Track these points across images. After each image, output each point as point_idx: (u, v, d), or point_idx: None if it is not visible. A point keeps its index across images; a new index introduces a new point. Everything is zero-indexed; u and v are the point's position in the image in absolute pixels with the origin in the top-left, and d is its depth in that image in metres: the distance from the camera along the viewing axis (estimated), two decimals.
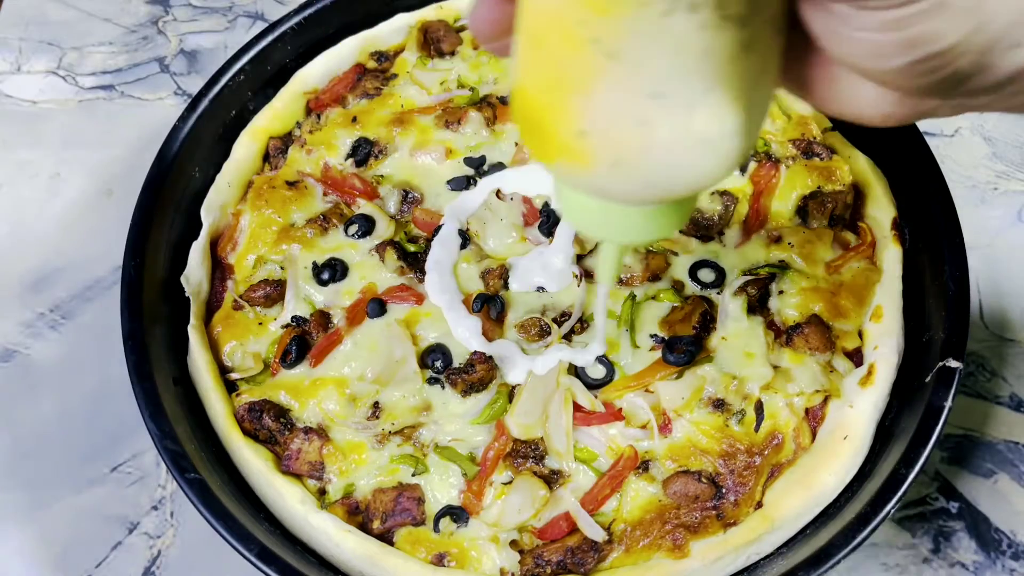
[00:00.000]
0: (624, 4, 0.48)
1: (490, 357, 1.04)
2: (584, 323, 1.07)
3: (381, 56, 1.32)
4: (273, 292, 1.11)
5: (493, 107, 1.23)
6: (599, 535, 0.95)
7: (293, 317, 1.10)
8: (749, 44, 0.52)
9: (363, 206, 1.17)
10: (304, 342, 1.07)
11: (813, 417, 1.02)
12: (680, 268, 1.10)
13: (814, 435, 1.01)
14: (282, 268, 1.13)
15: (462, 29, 1.34)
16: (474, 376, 1.02)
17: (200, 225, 1.16)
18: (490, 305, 1.07)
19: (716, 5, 0.48)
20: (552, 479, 0.99)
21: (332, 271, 1.11)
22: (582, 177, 0.58)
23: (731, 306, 1.06)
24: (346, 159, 1.21)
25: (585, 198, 0.64)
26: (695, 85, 0.52)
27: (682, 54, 0.51)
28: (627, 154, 0.55)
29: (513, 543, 0.96)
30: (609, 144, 0.55)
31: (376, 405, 1.03)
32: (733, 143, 0.55)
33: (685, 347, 1.02)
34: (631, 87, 0.52)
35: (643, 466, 0.99)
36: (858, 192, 1.17)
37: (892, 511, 0.92)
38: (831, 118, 1.22)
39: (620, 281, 1.09)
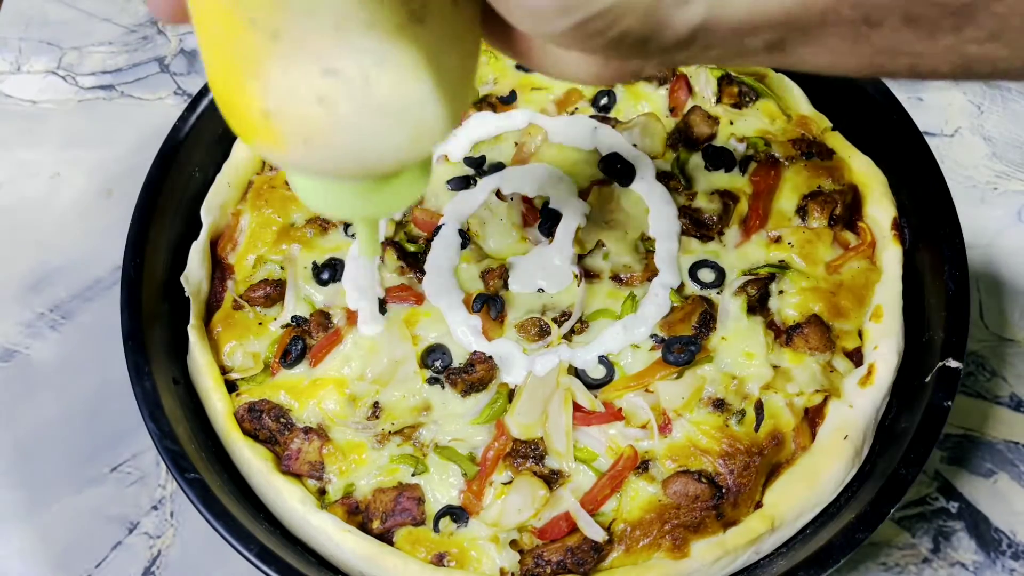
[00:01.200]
0: None
1: (490, 357, 1.04)
2: (584, 323, 1.07)
3: None
4: (273, 292, 1.11)
5: (493, 107, 1.23)
6: (599, 535, 0.95)
7: (293, 317, 1.10)
8: (421, 13, 0.52)
9: None
10: (304, 342, 1.07)
11: (813, 417, 1.02)
12: (681, 267, 1.10)
13: (814, 435, 1.01)
14: (282, 268, 1.13)
15: None
16: (474, 376, 1.02)
17: (200, 225, 1.16)
18: (490, 305, 1.07)
19: None
20: (552, 479, 0.99)
21: (332, 271, 1.11)
22: (281, 156, 0.59)
23: (731, 306, 1.06)
24: None
25: (307, 178, 0.65)
26: (364, 58, 0.52)
27: (344, 29, 0.51)
28: (315, 132, 0.55)
29: (513, 543, 0.96)
30: (295, 124, 0.55)
31: (376, 405, 1.03)
32: (422, 112, 0.55)
33: (685, 347, 1.02)
34: (302, 66, 0.52)
35: (643, 466, 0.99)
36: (858, 192, 1.17)
37: (892, 511, 0.92)
38: (830, 119, 1.23)
39: (620, 281, 1.09)
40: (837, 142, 1.20)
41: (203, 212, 1.17)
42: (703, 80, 1.24)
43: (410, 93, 0.54)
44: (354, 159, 0.57)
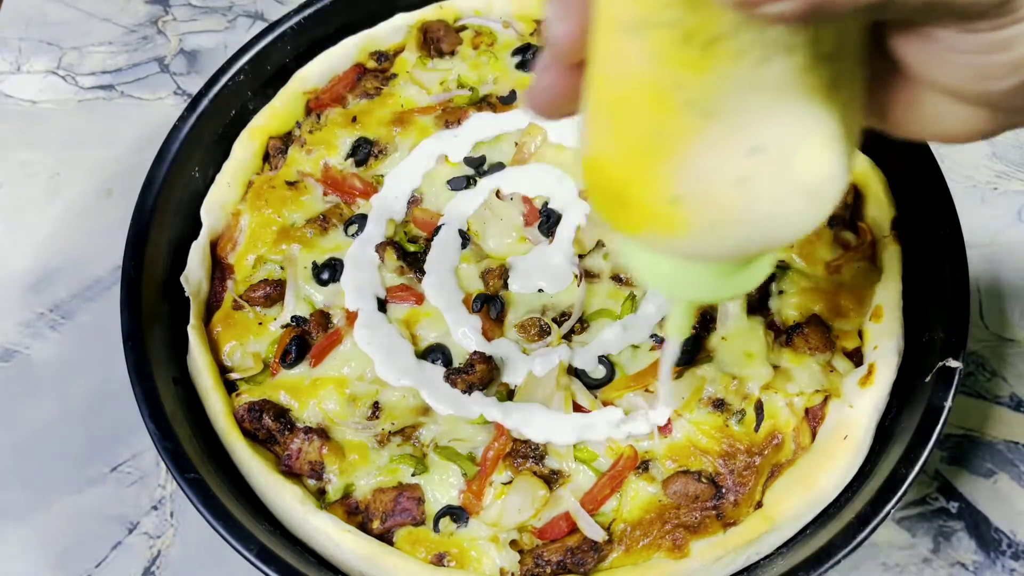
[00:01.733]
0: (721, 58, 0.45)
1: (490, 357, 1.04)
2: (584, 323, 1.07)
3: (381, 56, 1.32)
4: (273, 292, 1.11)
5: (493, 107, 1.23)
6: (599, 535, 0.95)
7: (293, 317, 1.10)
8: (837, 81, 0.48)
9: (363, 206, 1.17)
10: (304, 342, 1.07)
11: (813, 417, 1.02)
12: None
13: (814, 435, 1.01)
14: (282, 268, 1.13)
15: (462, 29, 1.34)
16: (474, 376, 1.02)
17: (200, 225, 1.16)
18: (490, 305, 1.07)
19: (811, 43, 0.45)
20: (552, 479, 0.99)
21: (332, 271, 1.11)
22: (674, 244, 0.53)
23: (731, 306, 1.06)
24: (346, 159, 1.21)
25: (663, 258, 0.59)
26: (794, 133, 0.48)
27: (780, 102, 0.47)
28: (726, 215, 0.50)
29: (513, 543, 0.96)
30: (706, 208, 0.50)
31: (376, 405, 1.03)
32: (834, 186, 0.51)
33: (685, 347, 1.02)
34: (729, 145, 0.48)
35: (643, 466, 0.99)
36: (858, 192, 1.17)
37: (892, 511, 0.92)
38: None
39: (620, 281, 1.09)
40: None
41: (203, 212, 1.17)
42: None
43: (828, 168, 0.50)
44: (754, 240, 0.52)
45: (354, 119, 1.23)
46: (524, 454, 0.99)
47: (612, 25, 0.47)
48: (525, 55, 1.28)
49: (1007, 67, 0.45)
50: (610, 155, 0.52)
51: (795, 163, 0.49)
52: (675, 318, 0.77)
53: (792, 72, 0.46)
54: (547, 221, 1.12)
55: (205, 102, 1.20)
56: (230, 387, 1.07)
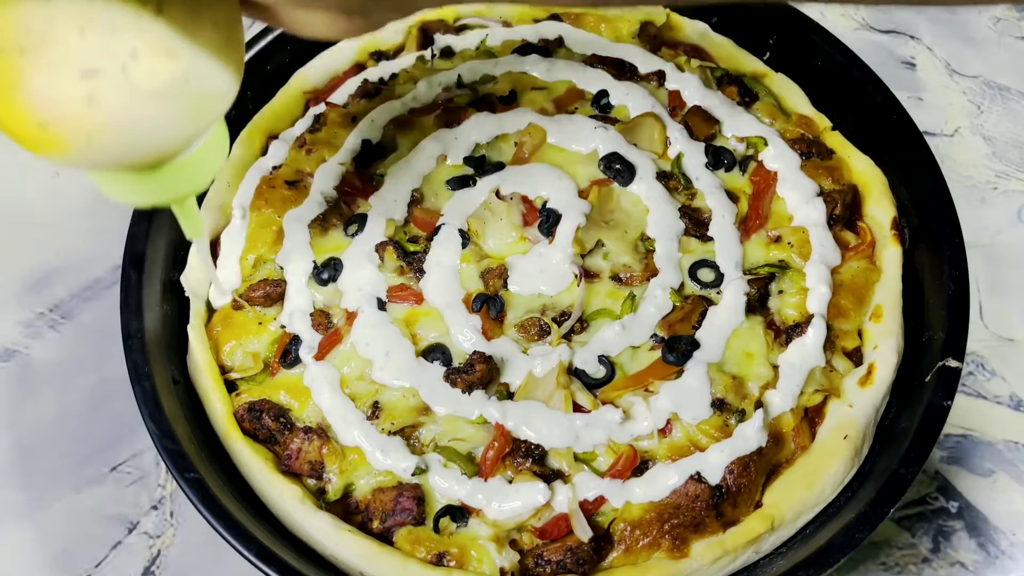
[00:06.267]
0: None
1: (490, 357, 1.04)
2: (584, 323, 1.07)
3: (381, 55, 1.32)
4: (273, 292, 1.11)
5: (493, 107, 1.23)
6: (586, 535, 0.94)
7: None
8: (158, 2, 0.56)
9: (363, 206, 1.17)
10: (304, 342, 1.07)
11: (813, 417, 1.02)
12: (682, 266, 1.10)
13: (814, 435, 1.01)
14: (282, 268, 1.13)
15: (462, 29, 1.34)
16: (474, 376, 1.02)
17: None
18: (490, 305, 1.07)
19: None
20: (552, 479, 0.99)
21: (332, 271, 1.11)
22: (70, 160, 0.62)
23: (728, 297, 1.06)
24: (346, 158, 1.21)
25: (105, 173, 0.69)
26: (117, 51, 0.56)
27: (88, 32, 0.55)
28: (94, 131, 0.59)
29: (513, 543, 0.96)
30: (71, 127, 0.58)
31: (376, 405, 1.03)
32: (188, 87, 0.59)
33: (685, 347, 1.02)
34: (60, 73, 0.56)
35: (643, 466, 0.99)
36: (858, 192, 1.17)
37: (892, 511, 0.92)
38: (830, 118, 1.23)
39: (620, 280, 1.09)
40: (837, 142, 1.20)
41: (203, 212, 1.16)
42: (695, 84, 1.24)
43: (169, 72, 0.58)
44: (140, 146, 0.61)
45: (354, 119, 1.23)
46: (524, 454, 0.99)
47: None
48: (526, 54, 1.28)
49: None
50: None
51: (132, 76, 0.57)
52: (180, 221, 0.88)
53: (85, 7, 0.55)
54: (547, 221, 1.12)
55: None
56: (230, 387, 1.07)
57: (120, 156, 0.62)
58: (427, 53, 1.31)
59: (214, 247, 1.16)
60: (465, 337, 1.05)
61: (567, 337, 1.06)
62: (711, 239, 1.12)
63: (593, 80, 1.25)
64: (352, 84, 1.28)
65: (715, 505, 0.96)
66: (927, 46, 1.53)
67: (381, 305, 1.08)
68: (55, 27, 0.55)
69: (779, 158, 1.17)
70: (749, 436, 0.98)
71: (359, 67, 1.31)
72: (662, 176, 1.16)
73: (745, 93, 1.25)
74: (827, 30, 1.25)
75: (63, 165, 0.65)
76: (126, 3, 0.56)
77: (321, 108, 1.26)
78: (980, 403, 1.19)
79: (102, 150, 0.61)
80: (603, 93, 1.24)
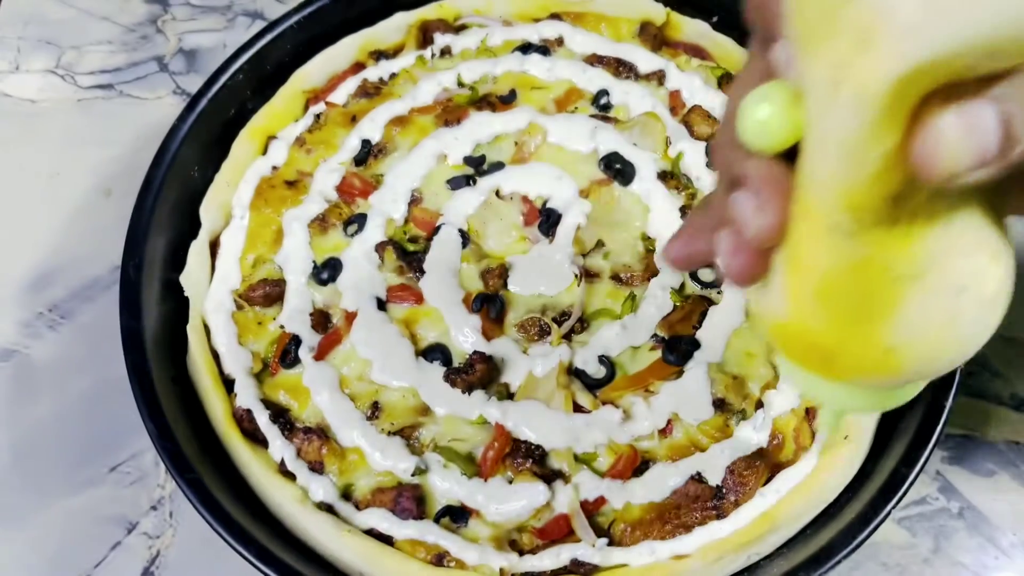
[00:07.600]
0: (921, 227, 0.48)
1: (490, 357, 1.03)
2: (584, 323, 1.07)
3: (380, 55, 1.32)
4: (272, 292, 1.11)
5: (493, 106, 1.23)
6: (591, 539, 0.94)
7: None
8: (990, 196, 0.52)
9: (362, 206, 1.17)
10: (303, 342, 1.07)
11: (813, 417, 1.02)
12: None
13: (814, 435, 1.01)
14: (281, 268, 1.13)
15: (462, 28, 1.33)
16: (473, 376, 1.02)
17: (199, 224, 1.15)
18: (490, 305, 1.07)
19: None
20: (552, 479, 0.99)
21: (332, 271, 1.11)
22: (883, 383, 0.58)
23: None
24: (346, 158, 1.21)
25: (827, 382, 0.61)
26: (980, 260, 0.51)
27: (963, 237, 0.50)
28: (938, 352, 0.53)
29: (513, 543, 0.96)
30: (920, 350, 0.53)
31: (375, 405, 1.03)
32: (1009, 287, 0.54)
33: (685, 347, 1.02)
34: (937, 295, 0.51)
35: (643, 466, 0.99)
36: None
37: (892, 511, 0.92)
38: None
39: (620, 280, 1.09)
40: None
41: (202, 212, 1.16)
42: (697, 84, 1.24)
43: (1007, 278, 0.53)
44: (955, 363, 0.55)
45: (353, 118, 1.23)
46: (524, 454, 0.99)
47: (820, 225, 0.49)
48: (526, 53, 1.28)
49: None
50: (815, 326, 0.54)
51: (985, 286, 0.52)
52: (824, 420, 0.91)
53: (966, 206, 0.49)
54: (547, 220, 1.12)
55: (204, 101, 1.19)
56: (229, 387, 1.07)
57: (923, 376, 0.56)
58: (427, 52, 1.31)
59: (214, 247, 1.16)
60: (465, 337, 1.05)
61: (567, 337, 1.06)
62: None
63: (593, 79, 1.25)
64: (352, 83, 1.28)
65: (715, 505, 0.96)
66: None
67: (381, 305, 1.08)
68: (955, 244, 0.50)
69: None
70: (750, 436, 0.98)
71: (359, 66, 1.31)
72: (663, 176, 1.16)
73: None
74: None
75: (858, 383, 0.58)
76: (986, 213, 0.51)
77: (321, 107, 1.26)
78: (981, 403, 1.18)
79: (921, 372, 0.55)
80: (603, 92, 1.24)
